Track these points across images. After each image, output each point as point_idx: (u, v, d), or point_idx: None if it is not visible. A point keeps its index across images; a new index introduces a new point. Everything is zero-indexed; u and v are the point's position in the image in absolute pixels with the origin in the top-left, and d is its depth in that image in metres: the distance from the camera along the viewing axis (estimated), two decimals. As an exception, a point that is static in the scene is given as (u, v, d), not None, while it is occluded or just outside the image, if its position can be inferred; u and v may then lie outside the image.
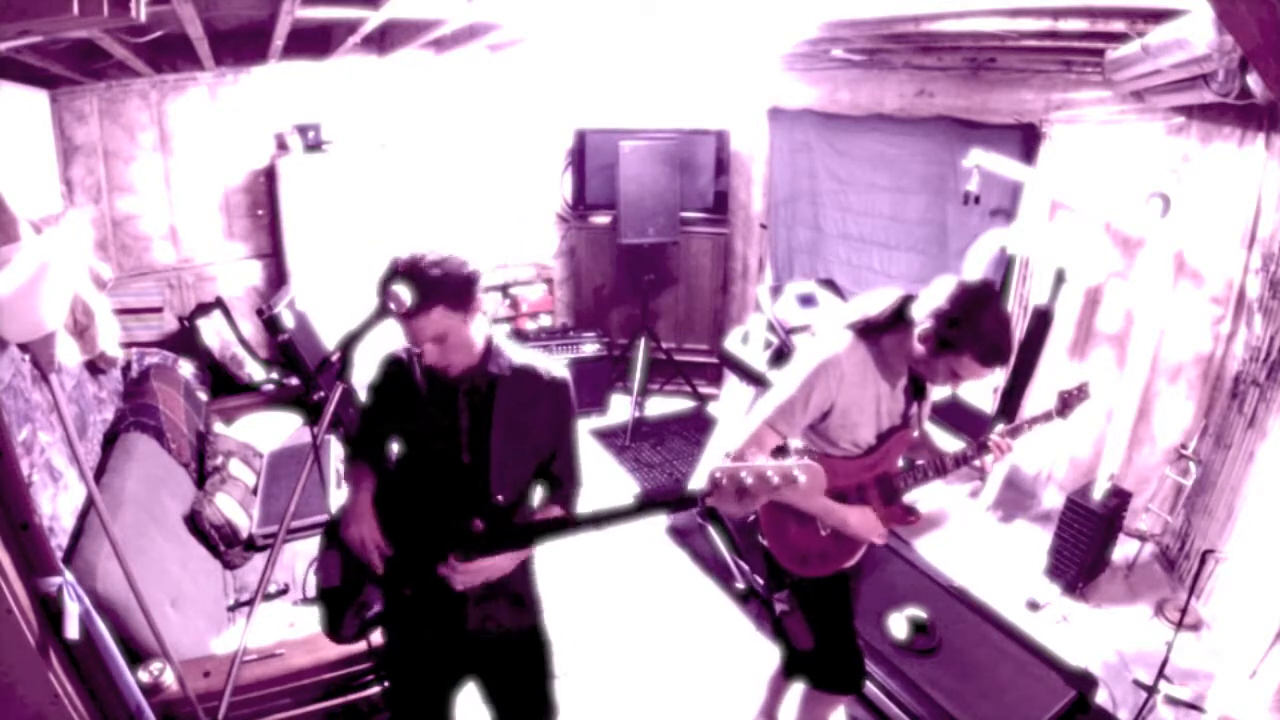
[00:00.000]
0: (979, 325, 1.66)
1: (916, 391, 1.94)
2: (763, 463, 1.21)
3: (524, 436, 1.68)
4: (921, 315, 1.74)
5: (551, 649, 1.89)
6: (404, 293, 1.47)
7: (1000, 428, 2.00)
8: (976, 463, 1.99)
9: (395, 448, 1.78)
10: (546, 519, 1.72)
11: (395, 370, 1.72)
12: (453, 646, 1.79)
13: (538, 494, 1.78)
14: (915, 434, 1.99)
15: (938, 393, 2.05)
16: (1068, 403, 2.09)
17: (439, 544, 1.61)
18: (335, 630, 1.76)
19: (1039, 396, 3.73)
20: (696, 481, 3.99)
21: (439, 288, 1.51)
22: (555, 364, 1.74)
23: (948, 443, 2.14)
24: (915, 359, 1.79)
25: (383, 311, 1.67)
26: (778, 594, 2.07)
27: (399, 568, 1.70)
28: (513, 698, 1.87)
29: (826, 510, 1.86)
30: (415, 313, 1.50)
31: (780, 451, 1.87)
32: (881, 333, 1.84)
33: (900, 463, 1.99)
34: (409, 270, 1.50)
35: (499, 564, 1.63)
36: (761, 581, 3.06)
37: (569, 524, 1.60)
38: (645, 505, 1.48)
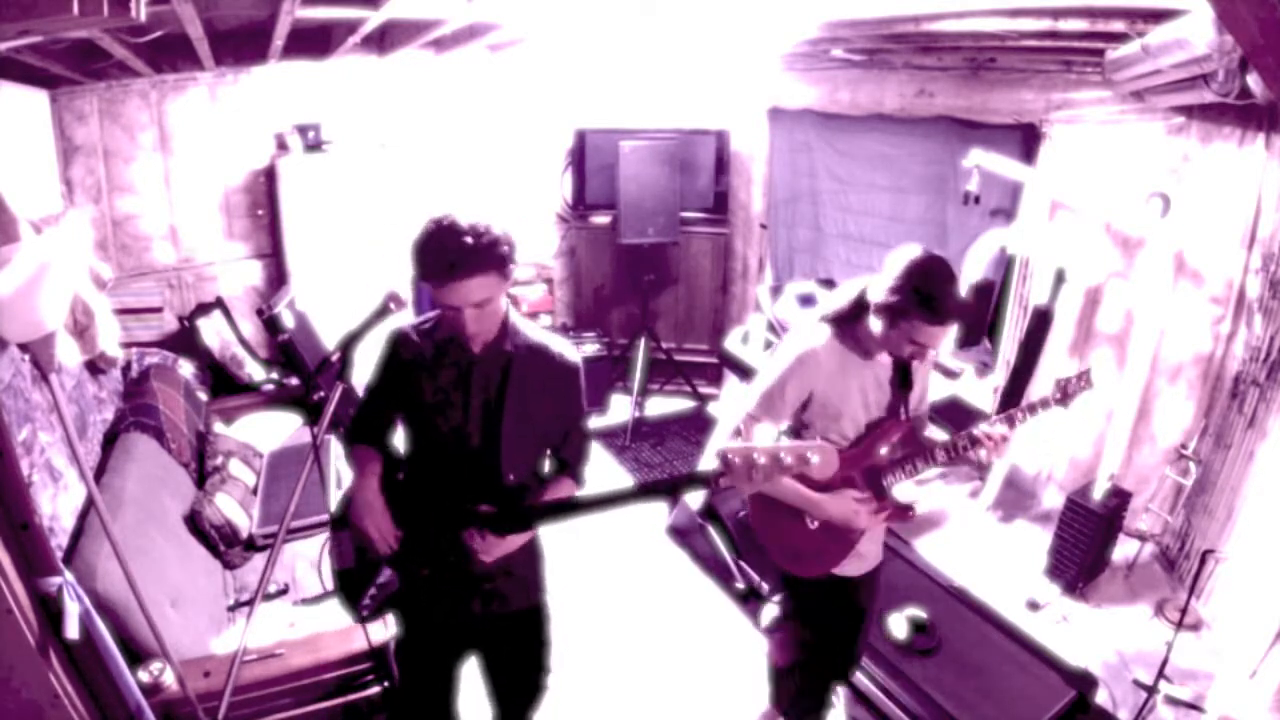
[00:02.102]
0: (916, 285, 1.69)
1: (903, 382, 1.93)
2: (776, 443, 1.22)
3: (534, 419, 1.69)
4: (875, 294, 1.77)
5: (550, 631, 1.92)
6: (457, 251, 1.46)
7: (994, 418, 1.96)
8: (971, 455, 1.94)
9: (402, 427, 1.78)
10: (553, 501, 1.73)
11: (405, 346, 1.71)
12: (461, 624, 1.82)
13: (546, 467, 1.81)
14: (906, 423, 1.95)
15: (936, 393, 2.04)
16: (1067, 391, 2.03)
17: (452, 524, 1.62)
18: (353, 609, 1.78)
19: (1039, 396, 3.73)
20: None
21: (493, 250, 1.51)
22: (568, 347, 1.75)
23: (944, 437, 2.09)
24: (880, 340, 1.81)
25: (383, 311, 1.68)
26: (776, 597, 2.07)
27: (411, 549, 1.71)
28: (509, 673, 1.92)
29: (806, 502, 1.86)
30: (467, 275, 1.49)
31: (803, 429, 1.89)
32: (853, 322, 1.86)
33: (890, 455, 1.96)
34: (469, 231, 1.48)
35: (510, 542, 1.65)
36: (766, 586, 3.06)
37: (575, 506, 1.61)
38: (654, 487, 1.47)
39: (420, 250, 1.53)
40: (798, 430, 1.92)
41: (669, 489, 1.63)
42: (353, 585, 1.78)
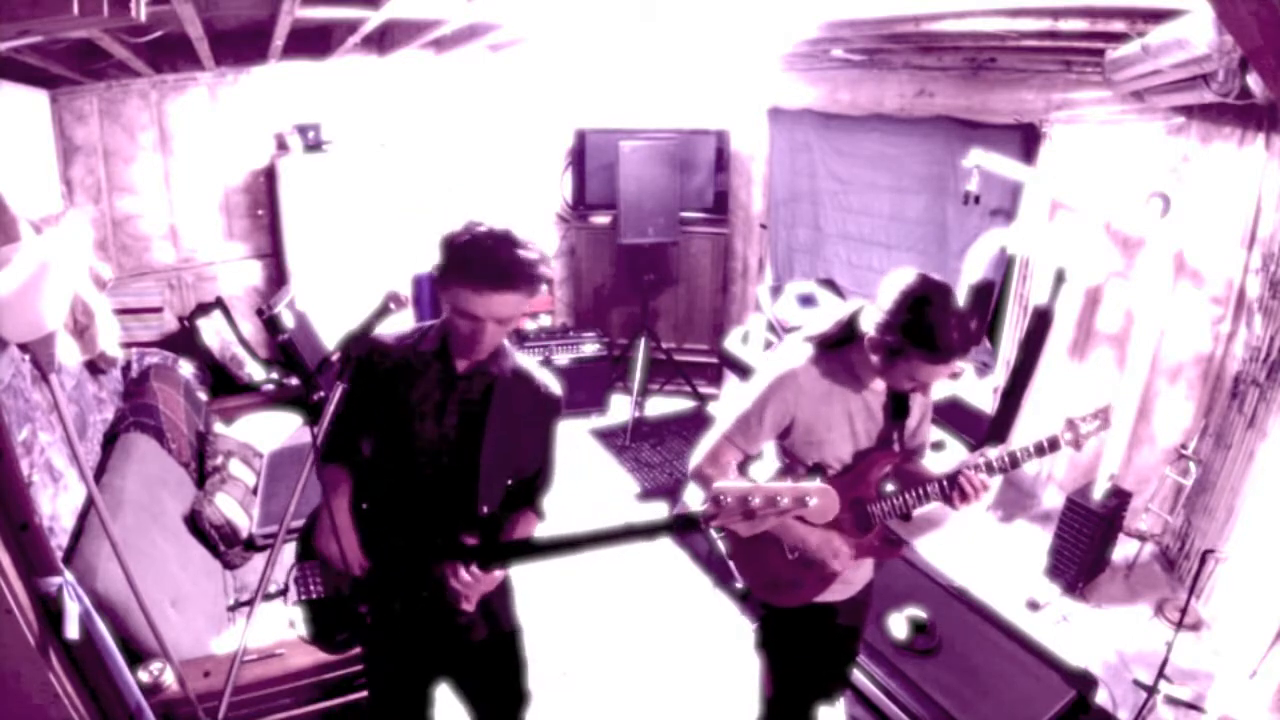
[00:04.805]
0: (918, 326, 1.55)
1: (897, 412, 1.79)
2: (772, 484, 1.17)
3: (512, 448, 1.65)
4: (868, 326, 1.64)
5: (524, 646, 1.89)
6: (509, 263, 1.44)
7: (989, 455, 1.80)
8: (955, 498, 1.75)
9: (369, 449, 1.70)
10: (549, 538, 1.67)
11: (382, 357, 1.63)
12: (433, 652, 1.79)
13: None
14: (898, 455, 1.83)
15: (936, 393, 1.96)
16: (1080, 432, 1.82)
17: (430, 557, 1.57)
18: (324, 642, 1.73)
19: (1037, 397, 3.73)
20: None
21: (538, 268, 1.49)
22: (550, 378, 1.71)
23: (943, 465, 1.98)
24: (877, 370, 1.69)
25: (383, 310, 1.65)
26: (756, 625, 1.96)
27: (382, 580, 1.65)
28: (489, 694, 1.89)
29: (785, 526, 1.72)
30: (511, 289, 1.46)
31: (790, 470, 1.80)
32: (842, 346, 1.74)
33: (886, 488, 1.83)
34: (522, 245, 1.47)
35: (494, 578, 1.61)
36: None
37: (568, 544, 1.56)
38: (646, 529, 1.44)
39: (469, 254, 1.46)
40: (786, 453, 1.81)
41: (661, 530, 1.47)
42: (323, 618, 1.71)
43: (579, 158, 5.09)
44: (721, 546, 3.44)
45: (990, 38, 3.00)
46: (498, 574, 1.60)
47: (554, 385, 1.71)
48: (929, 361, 1.58)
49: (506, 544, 1.64)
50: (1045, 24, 2.58)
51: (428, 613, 1.65)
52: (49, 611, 1.51)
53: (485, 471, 1.60)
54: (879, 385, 1.77)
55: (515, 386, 1.64)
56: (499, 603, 1.79)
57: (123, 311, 3.90)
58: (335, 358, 1.64)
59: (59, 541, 2.09)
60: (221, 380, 4.07)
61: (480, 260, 1.45)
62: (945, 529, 3.71)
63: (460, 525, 1.59)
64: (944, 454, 3.63)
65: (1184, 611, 2.64)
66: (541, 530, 1.72)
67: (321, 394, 1.54)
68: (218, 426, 3.57)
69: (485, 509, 1.62)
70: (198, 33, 2.83)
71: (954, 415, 3.80)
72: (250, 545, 2.85)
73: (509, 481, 1.70)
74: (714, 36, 3.77)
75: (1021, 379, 3.65)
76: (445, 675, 1.86)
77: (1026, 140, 3.65)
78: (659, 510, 3.75)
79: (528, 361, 1.71)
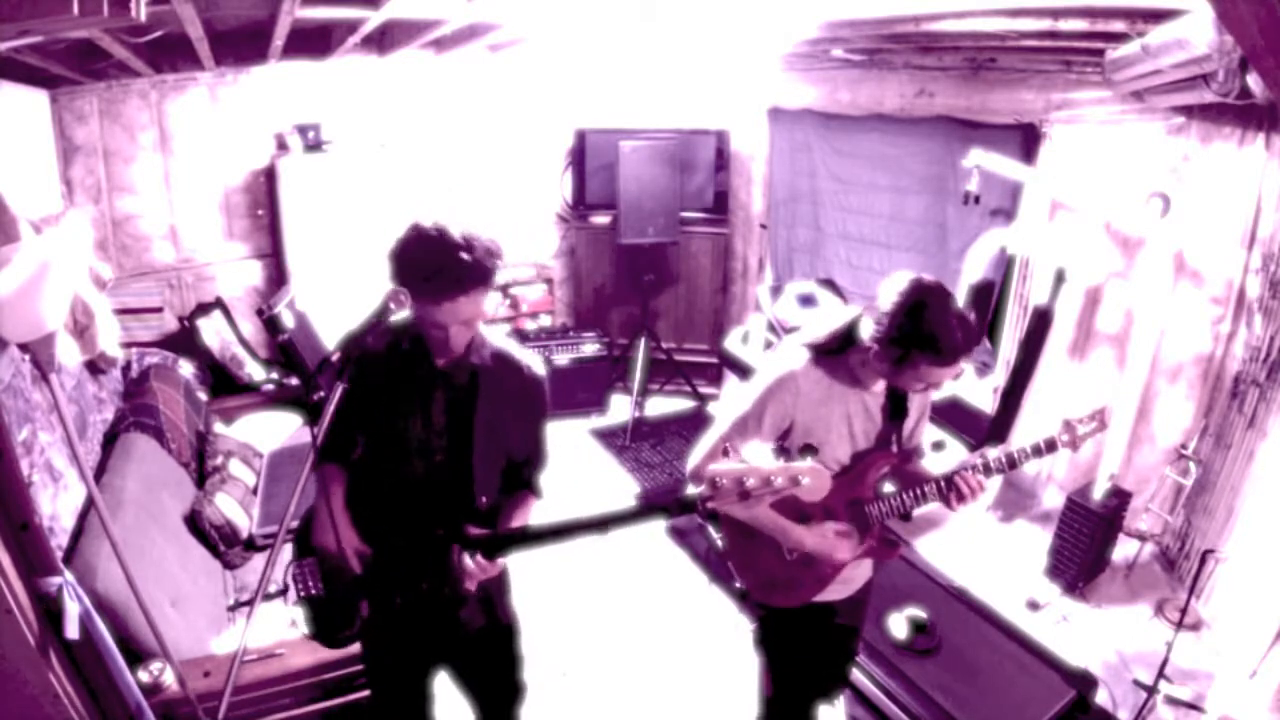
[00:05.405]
0: (920, 331, 1.55)
1: (895, 412, 1.81)
2: (767, 464, 1.18)
3: (502, 435, 1.65)
4: (868, 336, 1.64)
5: (520, 640, 1.90)
6: (456, 268, 1.43)
7: (988, 456, 1.79)
8: (952, 499, 1.76)
9: (361, 445, 1.72)
10: (552, 525, 1.66)
11: (365, 357, 1.62)
12: (431, 645, 1.80)
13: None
14: (896, 456, 1.84)
15: (937, 393, 1.97)
16: (1077, 433, 1.83)
17: (431, 549, 1.57)
18: (325, 639, 1.74)
19: (1037, 397, 3.73)
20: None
21: (488, 263, 1.48)
22: (533, 357, 1.71)
23: (943, 466, 1.97)
24: (885, 376, 1.70)
25: (384, 310, 1.65)
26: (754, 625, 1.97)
27: (381, 574, 1.65)
28: (486, 683, 1.90)
29: (782, 530, 1.75)
30: (464, 292, 1.46)
31: (784, 453, 1.80)
32: (841, 352, 1.74)
33: (884, 488, 1.85)
34: (465, 245, 1.45)
35: (498, 566, 1.62)
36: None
37: (568, 529, 1.54)
38: (644, 510, 1.45)
39: (417, 266, 1.46)
40: (784, 454, 1.79)
41: (661, 511, 1.46)
42: (323, 615, 1.71)
43: (579, 158, 5.09)
44: (720, 545, 3.45)
45: (990, 38, 3.00)
46: (501, 561, 1.61)
47: (536, 364, 1.71)
48: (936, 364, 1.59)
49: (510, 533, 1.64)
50: (1045, 24, 2.58)
51: (426, 605, 1.66)
52: (49, 611, 1.51)
53: (479, 462, 1.60)
54: (878, 387, 1.78)
55: (499, 372, 1.64)
56: (496, 594, 1.81)
57: (123, 311, 3.90)
58: (335, 358, 1.64)
59: (59, 541, 2.09)
60: (221, 380, 4.07)
61: (429, 270, 1.45)
62: (945, 529, 3.71)
63: (460, 520, 1.60)
64: (944, 454, 3.63)
65: (1184, 611, 2.64)
66: (539, 519, 1.72)
67: (321, 394, 1.54)
68: (218, 426, 3.57)
69: (484, 499, 1.62)
70: (198, 33, 2.83)
71: (954, 415, 3.79)
72: (250, 545, 2.85)
73: (503, 468, 1.71)
74: (714, 36, 3.77)
75: (1021, 379, 3.65)
76: (443, 665, 1.87)
77: (1026, 140, 3.65)
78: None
79: (505, 342, 1.70)
